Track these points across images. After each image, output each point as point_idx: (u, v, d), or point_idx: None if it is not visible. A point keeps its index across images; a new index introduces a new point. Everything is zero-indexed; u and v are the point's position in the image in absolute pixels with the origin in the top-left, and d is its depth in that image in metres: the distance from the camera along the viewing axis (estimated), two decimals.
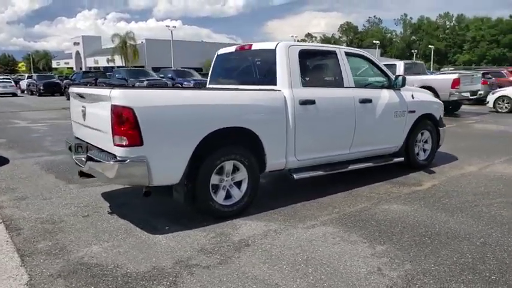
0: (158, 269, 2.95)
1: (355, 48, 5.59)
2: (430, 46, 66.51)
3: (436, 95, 9.38)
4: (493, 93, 15.01)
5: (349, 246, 3.33)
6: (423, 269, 2.93)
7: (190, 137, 3.64)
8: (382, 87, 5.40)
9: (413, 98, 5.66)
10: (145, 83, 18.29)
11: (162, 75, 22.54)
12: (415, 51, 79.21)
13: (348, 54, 5.03)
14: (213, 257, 3.13)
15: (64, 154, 6.38)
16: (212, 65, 5.57)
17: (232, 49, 5.35)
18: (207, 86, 5.54)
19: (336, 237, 3.51)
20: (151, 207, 4.30)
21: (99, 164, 3.55)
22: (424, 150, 6.07)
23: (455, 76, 13.18)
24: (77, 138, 4.42)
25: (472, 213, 4.08)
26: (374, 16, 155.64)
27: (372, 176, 5.41)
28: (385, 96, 5.27)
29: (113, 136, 3.38)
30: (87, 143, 4.12)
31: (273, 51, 4.45)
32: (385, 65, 5.82)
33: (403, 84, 5.37)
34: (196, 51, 47.96)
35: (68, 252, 3.23)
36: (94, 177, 4.01)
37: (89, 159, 3.68)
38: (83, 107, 3.99)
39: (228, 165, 3.95)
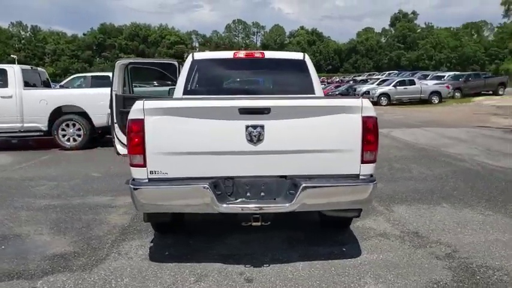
0: None
1: None
2: (13, 56, 51.15)
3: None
4: None
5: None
6: None
7: None
8: None
9: None
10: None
11: None
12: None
13: None
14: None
15: None
16: (186, 73, 4.47)
17: (225, 55, 4.74)
18: (182, 96, 4.37)
19: (481, 211, 4.48)
20: (260, 244, 3.71)
21: (344, 189, 3.04)
22: None
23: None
24: (205, 177, 3.05)
25: (445, 165, 6.10)
26: None
27: None
28: None
29: (363, 152, 2.99)
30: (249, 177, 3.10)
31: (302, 62, 4.54)
32: None
33: None
34: None
35: None
36: (266, 223, 3.15)
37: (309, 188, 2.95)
38: (255, 126, 2.97)
39: None
